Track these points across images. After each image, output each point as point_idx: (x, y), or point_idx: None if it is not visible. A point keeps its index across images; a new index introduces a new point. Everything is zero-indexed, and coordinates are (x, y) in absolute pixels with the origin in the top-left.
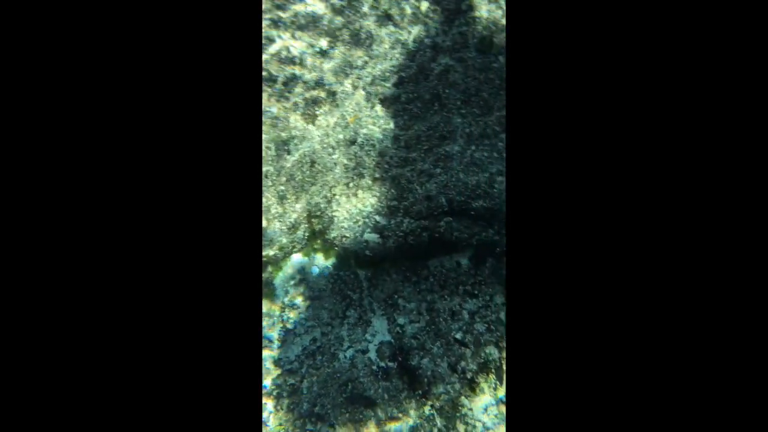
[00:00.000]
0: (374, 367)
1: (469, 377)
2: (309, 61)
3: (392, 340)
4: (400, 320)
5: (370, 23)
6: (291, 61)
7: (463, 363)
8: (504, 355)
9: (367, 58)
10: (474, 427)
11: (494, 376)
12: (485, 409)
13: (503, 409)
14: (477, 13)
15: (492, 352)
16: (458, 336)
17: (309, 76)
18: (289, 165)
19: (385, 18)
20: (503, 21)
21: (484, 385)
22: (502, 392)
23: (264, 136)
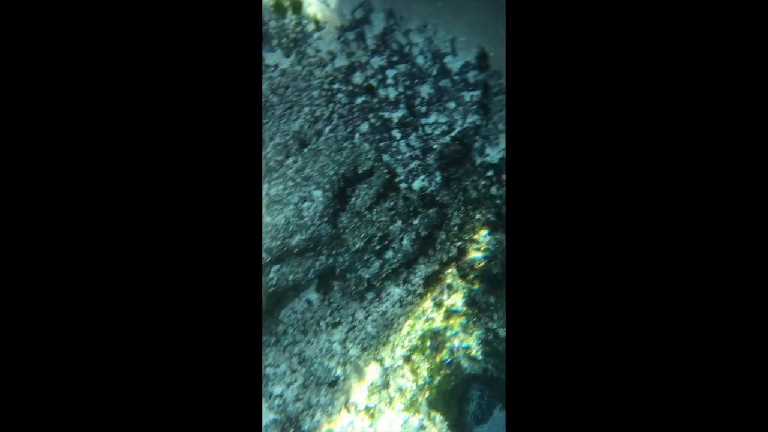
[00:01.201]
0: None
1: (363, 407)
2: None
3: (276, 417)
4: (276, 390)
5: None
6: None
7: (353, 396)
8: (387, 364)
9: None
10: None
11: (385, 392)
12: (389, 426)
13: (404, 415)
14: None
15: (374, 369)
16: (338, 373)
17: None
18: None
19: None
20: None
21: (381, 405)
22: (398, 401)
23: None
